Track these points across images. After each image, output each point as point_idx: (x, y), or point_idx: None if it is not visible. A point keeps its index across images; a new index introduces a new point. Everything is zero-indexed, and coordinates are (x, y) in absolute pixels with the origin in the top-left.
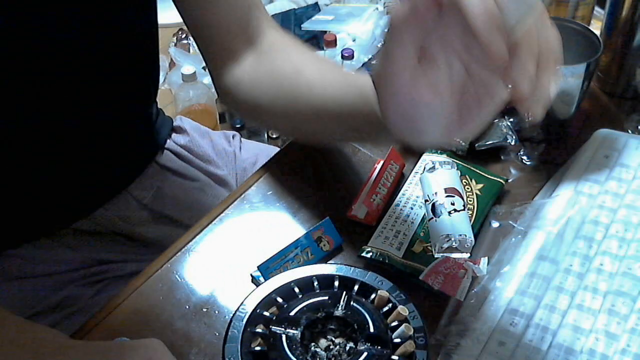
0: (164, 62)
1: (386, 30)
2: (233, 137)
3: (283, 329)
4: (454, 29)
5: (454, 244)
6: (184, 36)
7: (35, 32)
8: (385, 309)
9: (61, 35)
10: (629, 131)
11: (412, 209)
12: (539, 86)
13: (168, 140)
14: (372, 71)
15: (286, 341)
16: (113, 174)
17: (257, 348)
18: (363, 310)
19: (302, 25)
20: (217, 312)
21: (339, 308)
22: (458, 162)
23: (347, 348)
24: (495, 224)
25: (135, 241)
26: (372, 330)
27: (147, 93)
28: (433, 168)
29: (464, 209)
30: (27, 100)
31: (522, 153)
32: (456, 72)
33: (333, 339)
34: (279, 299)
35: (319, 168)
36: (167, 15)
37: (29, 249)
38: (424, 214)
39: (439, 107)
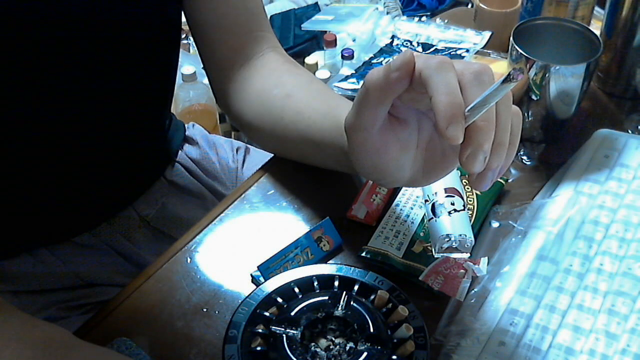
0: None
1: (360, 87)
2: (237, 151)
3: (283, 329)
4: (424, 94)
5: (454, 244)
6: (184, 36)
7: (46, 29)
8: (385, 309)
9: (72, 32)
10: (629, 131)
11: (412, 209)
12: (487, 167)
13: (180, 152)
14: (345, 120)
15: (286, 341)
16: (122, 188)
17: (257, 348)
18: (363, 310)
19: (302, 25)
20: (217, 312)
21: (339, 308)
22: None
23: (347, 348)
24: (495, 224)
25: (129, 260)
26: (372, 330)
27: (164, 98)
28: None
29: (464, 209)
30: (36, 108)
31: (522, 153)
32: (423, 128)
33: (333, 339)
34: (279, 299)
35: (319, 168)
36: None
37: (26, 259)
38: (424, 214)
39: (405, 160)
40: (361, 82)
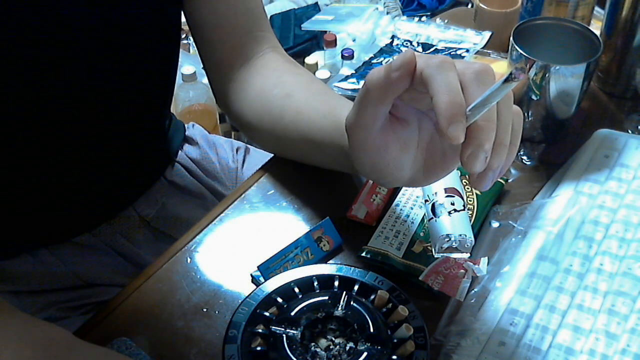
0: None
1: (361, 86)
2: (237, 151)
3: (283, 329)
4: (425, 94)
5: (454, 244)
6: (184, 36)
7: (46, 29)
8: (385, 309)
9: (72, 32)
10: (629, 131)
11: (412, 209)
12: (488, 167)
13: (180, 152)
14: (346, 119)
15: (286, 341)
16: (123, 188)
17: (257, 348)
18: (363, 310)
19: (302, 25)
20: (217, 312)
21: (339, 308)
22: None
23: (347, 348)
24: (495, 224)
25: (130, 260)
26: (372, 330)
27: (164, 98)
28: None
29: (464, 209)
30: (37, 108)
31: (522, 153)
32: (424, 128)
33: (333, 339)
34: (279, 299)
35: (319, 168)
36: None
37: (26, 259)
38: (424, 214)
39: (405, 160)
40: (361, 82)
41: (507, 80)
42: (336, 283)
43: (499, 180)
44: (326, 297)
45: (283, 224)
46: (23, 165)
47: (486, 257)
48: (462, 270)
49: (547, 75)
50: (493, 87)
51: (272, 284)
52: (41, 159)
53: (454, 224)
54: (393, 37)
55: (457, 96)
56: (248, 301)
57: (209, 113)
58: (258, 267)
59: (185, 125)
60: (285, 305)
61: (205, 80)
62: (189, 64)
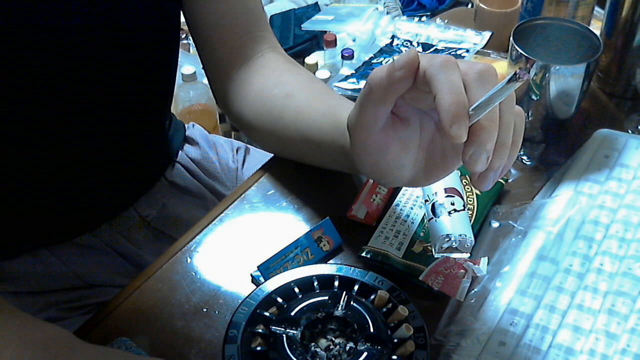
0: None
1: (364, 86)
2: (237, 151)
3: (283, 329)
4: (427, 94)
5: (454, 244)
6: (184, 36)
7: (46, 30)
8: (385, 309)
9: (72, 33)
10: (629, 131)
11: (412, 209)
12: (489, 167)
13: (180, 152)
14: (348, 118)
15: (286, 341)
16: (123, 189)
17: (257, 348)
18: (363, 310)
19: (302, 25)
20: (217, 312)
21: (339, 308)
22: None
23: (347, 348)
24: (495, 224)
25: (130, 260)
26: (372, 330)
27: (164, 98)
28: None
29: (464, 209)
30: (37, 109)
31: (522, 153)
32: (425, 128)
33: (333, 339)
34: (279, 299)
35: (319, 168)
36: None
37: (26, 260)
38: (424, 214)
39: (406, 160)
40: (361, 82)
41: (511, 80)
42: (336, 283)
43: (499, 180)
44: (326, 297)
45: (283, 224)
46: (23, 166)
47: (486, 257)
48: (462, 270)
49: (547, 75)
50: (497, 87)
51: (272, 284)
52: (41, 159)
53: (454, 224)
54: (393, 37)
55: (460, 96)
56: (248, 301)
57: (209, 113)
58: (258, 267)
59: (185, 125)
60: (285, 305)
61: (205, 80)
62: (189, 64)
